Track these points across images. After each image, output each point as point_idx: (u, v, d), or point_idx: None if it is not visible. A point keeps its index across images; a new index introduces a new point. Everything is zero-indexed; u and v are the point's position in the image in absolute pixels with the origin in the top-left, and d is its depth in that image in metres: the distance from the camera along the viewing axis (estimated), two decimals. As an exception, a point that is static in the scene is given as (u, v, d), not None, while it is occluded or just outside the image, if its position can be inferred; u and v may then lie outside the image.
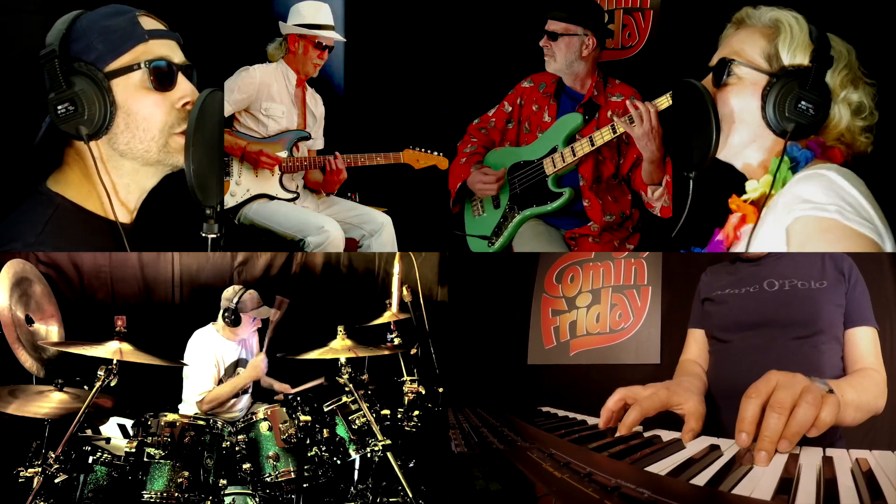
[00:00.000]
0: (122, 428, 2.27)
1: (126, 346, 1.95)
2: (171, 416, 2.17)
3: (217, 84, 1.62)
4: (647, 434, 1.46)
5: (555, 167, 2.67)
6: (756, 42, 1.57)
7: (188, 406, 2.65)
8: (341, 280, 3.33)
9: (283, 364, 2.85)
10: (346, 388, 2.33)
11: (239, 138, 2.95)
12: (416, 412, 2.57)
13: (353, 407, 2.42)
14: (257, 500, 2.24)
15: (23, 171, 1.64)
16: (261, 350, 2.69)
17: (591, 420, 1.72)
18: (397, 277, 2.83)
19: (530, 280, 3.36)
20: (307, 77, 3.06)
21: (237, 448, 2.31)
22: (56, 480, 1.79)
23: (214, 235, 1.62)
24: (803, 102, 1.51)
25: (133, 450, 2.05)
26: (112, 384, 1.90)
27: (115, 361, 1.89)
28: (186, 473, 2.09)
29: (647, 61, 3.09)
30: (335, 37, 3.00)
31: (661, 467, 1.14)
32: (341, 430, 2.42)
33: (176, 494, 2.05)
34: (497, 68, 3.18)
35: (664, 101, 2.36)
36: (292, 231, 2.91)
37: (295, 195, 3.01)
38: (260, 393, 2.87)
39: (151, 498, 2.04)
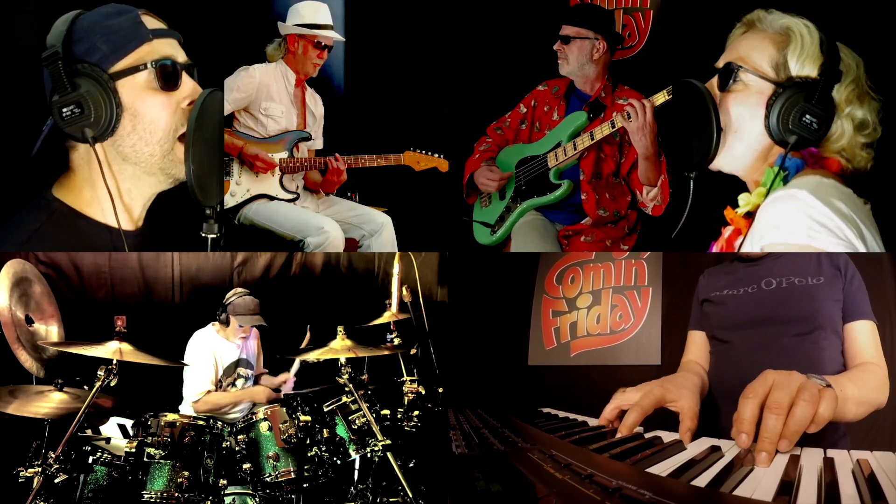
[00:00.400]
0: (122, 428, 2.27)
1: (126, 346, 1.95)
2: (171, 416, 2.17)
3: (217, 84, 1.61)
4: (648, 435, 1.46)
5: (557, 161, 2.76)
6: (765, 49, 1.54)
7: (186, 406, 2.65)
8: (341, 280, 3.33)
9: (282, 364, 2.85)
10: (346, 388, 2.33)
11: (238, 138, 2.95)
12: (416, 412, 2.57)
13: (353, 407, 2.42)
14: (257, 500, 2.24)
15: (25, 176, 1.62)
16: (262, 361, 2.68)
17: (591, 421, 1.71)
18: (397, 277, 2.83)
19: (531, 281, 3.36)
20: (307, 77, 3.06)
21: (237, 448, 2.31)
22: (56, 480, 1.79)
23: (214, 235, 1.61)
24: (808, 116, 1.48)
25: (133, 450, 2.05)
26: (112, 384, 1.89)
27: (115, 361, 1.89)
28: (186, 473, 2.09)
29: (647, 61, 3.09)
30: (334, 36, 3.00)
31: (663, 468, 1.13)
32: (341, 430, 2.42)
33: (176, 494, 2.05)
34: (497, 68, 3.18)
35: (661, 97, 2.42)
36: (292, 231, 2.91)
37: (295, 195, 3.01)
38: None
39: (151, 498, 2.04)
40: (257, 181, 2.97)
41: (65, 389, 2.04)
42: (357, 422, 2.40)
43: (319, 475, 2.35)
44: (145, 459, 2.06)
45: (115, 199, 1.56)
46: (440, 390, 2.65)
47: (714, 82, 1.62)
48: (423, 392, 2.61)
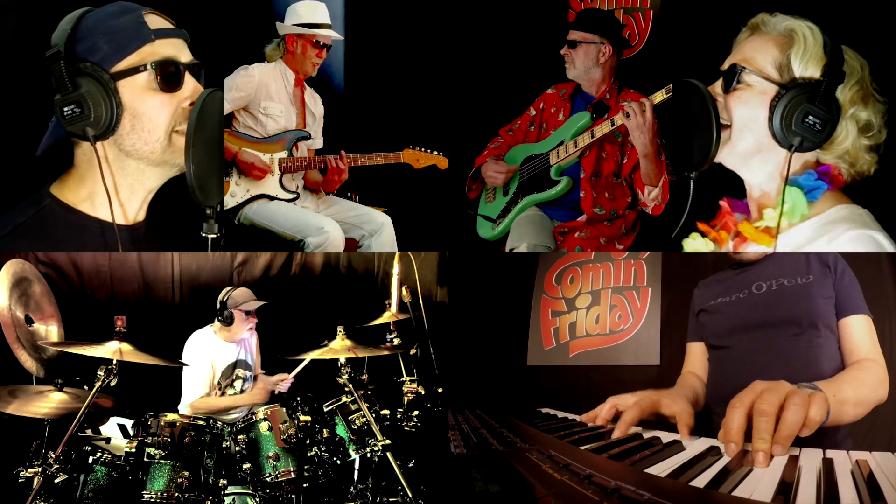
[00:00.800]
0: (122, 428, 2.27)
1: (126, 346, 1.95)
2: (171, 416, 2.17)
3: (217, 84, 1.62)
4: (646, 435, 1.46)
5: (558, 158, 2.81)
6: (769, 51, 1.54)
7: (183, 408, 2.65)
8: (341, 280, 3.33)
9: (282, 364, 2.85)
10: (346, 388, 2.33)
11: (235, 139, 2.95)
12: (416, 412, 2.57)
13: (353, 407, 2.42)
14: (257, 500, 2.24)
15: (29, 173, 1.64)
16: (259, 361, 2.68)
17: (596, 421, 1.71)
18: (397, 278, 2.83)
19: (530, 281, 3.36)
20: (306, 76, 3.06)
21: (237, 448, 2.31)
22: (56, 480, 1.79)
23: (214, 235, 1.62)
24: (811, 117, 1.49)
25: (133, 450, 2.05)
26: (112, 384, 1.89)
27: (114, 361, 1.89)
28: (186, 473, 2.09)
29: (647, 61, 3.09)
30: (333, 35, 3.00)
31: (661, 469, 1.14)
32: (341, 430, 2.42)
33: (176, 494, 2.05)
34: (497, 68, 3.18)
35: (660, 95, 2.44)
36: (292, 231, 2.91)
37: (295, 195, 3.01)
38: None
39: (151, 498, 2.04)
40: (257, 181, 2.97)
41: (65, 389, 2.04)
42: (357, 422, 2.40)
43: (319, 475, 2.35)
44: (145, 459, 2.06)
45: (114, 196, 1.57)
46: (440, 390, 2.65)
47: (718, 85, 1.62)
48: (423, 392, 2.61)
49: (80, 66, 1.47)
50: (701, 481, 1.04)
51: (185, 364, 2.60)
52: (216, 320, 2.73)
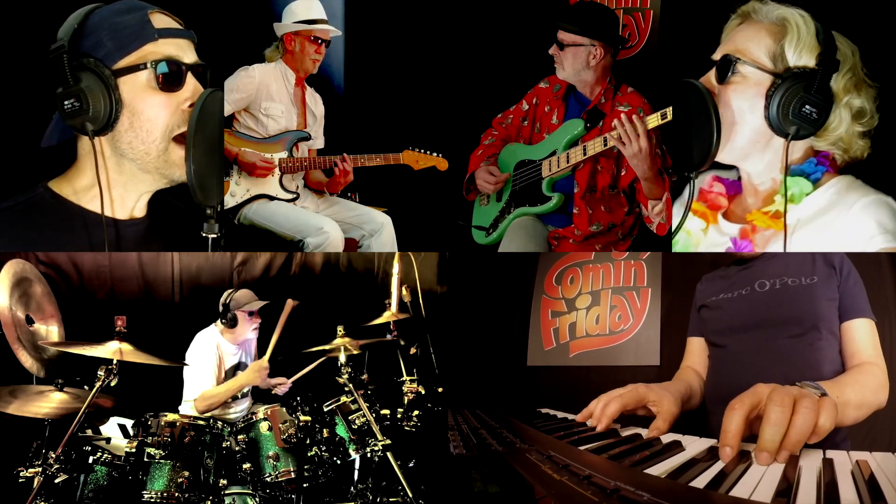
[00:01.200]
0: (123, 428, 2.27)
1: (126, 346, 1.95)
2: (171, 416, 2.17)
3: (217, 84, 1.62)
4: (646, 436, 1.46)
5: (550, 171, 2.73)
6: (762, 41, 1.55)
7: (186, 406, 2.65)
8: (341, 280, 3.33)
9: (282, 364, 2.85)
10: (346, 388, 2.34)
11: (236, 139, 2.95)
12: (416, 412, 2.57)
13: (353, 407, 2.42)
14: (257, 500, 2.25)
15: (29, 167, 1.65)
16: (262, 354, 2.68)
17: (589, 421, 1.71)
18: (397, 277, 2.83)
19: (530, 281, 3.36)
20: (307, 74, 3.06)
21: (237, 448, 2.31)
22: (56, 480, 1.79)
23: (214, 235, 1.62)
24: (807, 106, 1.50)
25: (133, 450, 2.05)
26: (112, 384, 1.90)
27: (115, 361, 1.89)
28: (186, 473, 2.09)
29: (647, 61, 3.09)
30: (330, 29, 3.00)
31: (661, 469, 1.14)
32: (341, 430, 2.42)
33: (176, 494, 2.05)
34: (497, 68, 3.18)
35: (654, 119, 2.31)
36: (292, 232, 2.91)
37: (295, 195, 3.01)
38: (260, 393, 2.87)
39: (152, 498, 2.04)
40: (257, 181, 2.97)
41: (65, 389, 2.04)
42: (357, 422, 2.40)
43: (319, 475, 2.35)
44: (145, 459, 2.06)
45: (112, 189, 1.59)
46: (440, 390, 2.65)
47: (711, 75, 1.62)
48: (423, 392, 2.62)
49: (82, 61, 1.48)
50: (700, 482, 1.04)
51: (185, 364, 2.60)
52: (220, 323, 2.73)
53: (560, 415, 2.00)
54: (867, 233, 1.49)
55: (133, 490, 2.03)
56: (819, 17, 1.55)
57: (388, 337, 2.66)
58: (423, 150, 3.01)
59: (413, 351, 2.72)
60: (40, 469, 1.76)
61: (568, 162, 2.67)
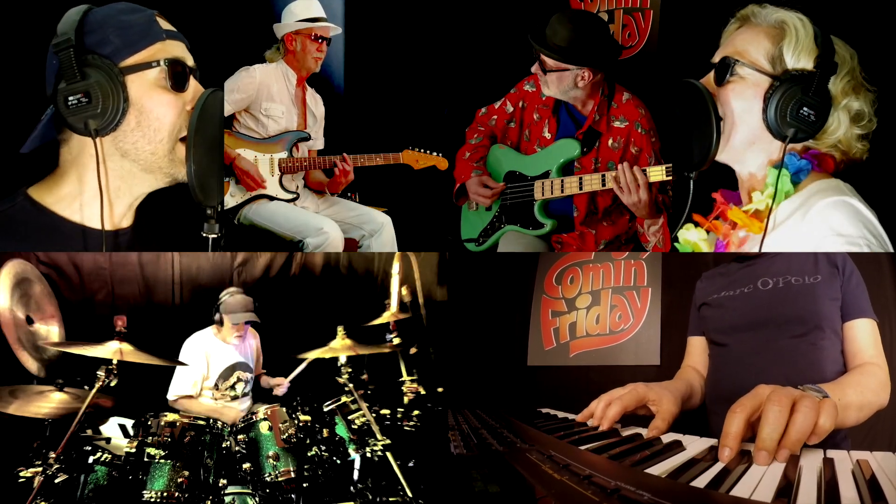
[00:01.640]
0: (123, 428, 2.27)
1: (126, 347, 1.95)
2: (171, 416, 2.17)
3: (217, 84, 1.62)
4: (647, 435, 1.46)
5: (543, 195, 2.65)
6: (760, 43, 1.55)
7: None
8: (341, 280, 3.33)
9: (282, 364, 2.85)
10: (346, 388, 2.33)
11: (235, 139, 2.95)
12: (416, 412, 2.57)
13: (353, 407, 2.42)
14: (257, 500, 2.24)
15: (13, 176, 1.61)
16: (261, 363, 2.67)
17: (590, 421, 1.71)
18: (397, 277, 2.83)
19: (530, 281, 3.36)
20: (309, 74, 3.06)
21: (237, 448, 2.31)
22: (56, 480, 1.79)
23: (215, 235, 1.62)
24: (805, 108, 1.50)
25: (133, 450, 2.05)
26: (112, 384, 1.90)
27: (115, 361, 1.90)
28: (186, 473, 2.09)
29: (647, 61, 3.09)
30: (330, 26, 3.01)
31: (661, 469, 1.14)
32: (341, 430, 2.42)
33: (176, 494, 2.05)
34: (498, 68, 3.18)
35: (658, 174, 2.26)
36: (291, 232, 2.92)
37: (295, 196, 3.02)
38: (260, 393, 2.87)
39: (152, 498, 2.04)
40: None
41: (65, 389, 2.04)
42: (357, 422, 2.40)
43: (319, 475, 2.35)
44: (145, 459, 2.06)
45: (104, 195, 1.54)
46: (440, 390, 2.65)
47: (711, 77, 1.63)
48: (423, 392, 2.62)
49: (88, 57, 1.45)
50: (701, 481, 1.04)
51: (184, 364, 2.60)
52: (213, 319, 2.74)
53: (560, 415, 2.00)
54: (819, 234, 1.49)
55: (133, 490, 2.03)
56: (819, 22, 1.56)
57: (387, 342, 2.66)
58: (422, 150, 3.01)
59: (413, 351, 2.72)
60: (40, 469, 1.76)
61: (563, 191, 2.59)
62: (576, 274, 3.26)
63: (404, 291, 2.78)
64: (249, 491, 2.25)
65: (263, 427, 2.34)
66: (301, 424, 2.36)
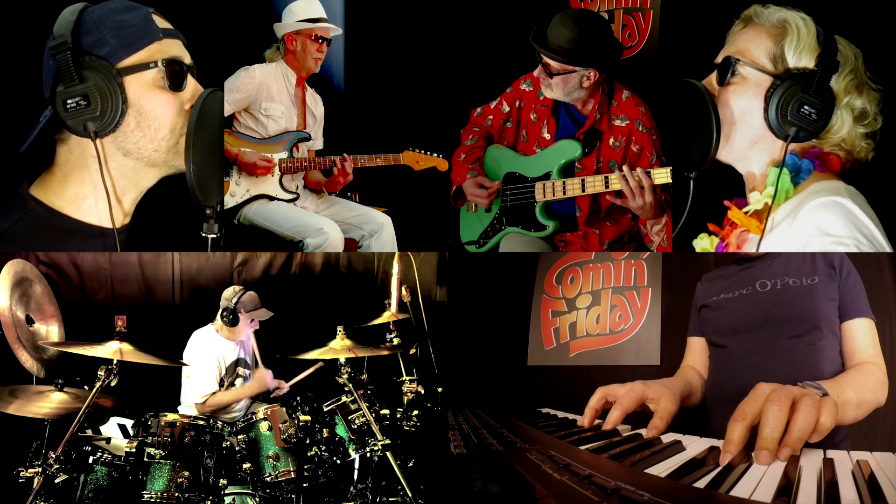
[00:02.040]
0: (123, 428, 2.27)
1: (126, 346, 1.95)
2: (171, 416, 2.17)
3: (217, 84, 1.62)
4: (646, 435, 1.46)
5: (544, 196, 2.62)
6: (762, 42, 1.55)
7: (187, 408, 2.65)
8: (341, 280, 3.33)
9: (281, 363, 2.85)
10: (346, 388, 2.34)
11: (236, 139, 2.95)
12: (416, 412, 2.57)
13: (353, 407, 2.42)
14: (257, 500, 2.25)
15: (9, 174, 1.60)
16: (259, 358, 2.69)
17: (586, 420, 1.71)
18: (396, 277, 2.83)
19: (530, 281, 3.35)
20: (308, 74, 3.06)
21: (237, 448, 2.31)
22: (56, 480, 1.79)
23: (214, 235, 1.62)
24: (806, 107, 1.50)
25: (133, 450, 2.05)
26: (112, 384, 1.90)
27: (115, 361, 1.89)
28: (186, 473, 2.09)
29: (646, 62, 3.08)
30: (331, 27, 3.01)
31: (662, 469, 1.14)
32: (341, 430, 2.42)
33: (176, 494, 2.05)
34: (498, 68, 3.18)
35: (663, 176, 2.24)
36: (291, 232, 2.92)
37: (295, 196, 3.02)
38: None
39: (152, 498, 2.04)
40: (257, 181, 2.97)
41: (65, 389, 2.04)
42: (357, 422, 2.40)
43: (319, 475, 2.35)
44: (145, 459, 2.06)
45: (111, 197, 1.55)
46: (439, 390, 2.65)
47: (713, 78, 1.63)
48: (423, 392, 2.62)
49: (85, 58, 1.44)
50: (702, 482, 1.04)
51: (185, 364, 2.60)
52: (218, 319, 2.73)
53: (560, 414, 2.00)
54: (806, 234, 1.49)
55: (133, 490, 2.03)
56: (823, 21, 1.55)
57: (387, 342, 2.66)
58: (423, 151, 3.01)
59: (413, 351, 2.72)
60: (40, 469, 1.76)
61: (564, 193, 2.56)
62: (576, 274, 3.26)
63: (404, 291, 2.78)
64: (249, 491, 2.25)
65: (263, 427, 2.34)
66: (301, 424, 2.36)
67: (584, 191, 2.50)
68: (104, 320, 2.05)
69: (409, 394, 2.60)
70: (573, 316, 3.22)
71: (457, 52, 3.28)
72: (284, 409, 2.40)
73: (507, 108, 2.80)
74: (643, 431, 1.49)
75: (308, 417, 2.37)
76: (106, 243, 1.58)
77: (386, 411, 2.52)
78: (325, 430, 2.40)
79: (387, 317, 2.72)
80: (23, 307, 2.26)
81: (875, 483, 1.02)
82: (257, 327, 2.76)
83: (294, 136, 3.02)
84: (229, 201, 2.92)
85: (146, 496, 2.03)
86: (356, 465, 2.45)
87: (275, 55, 3.04)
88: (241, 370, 2.76)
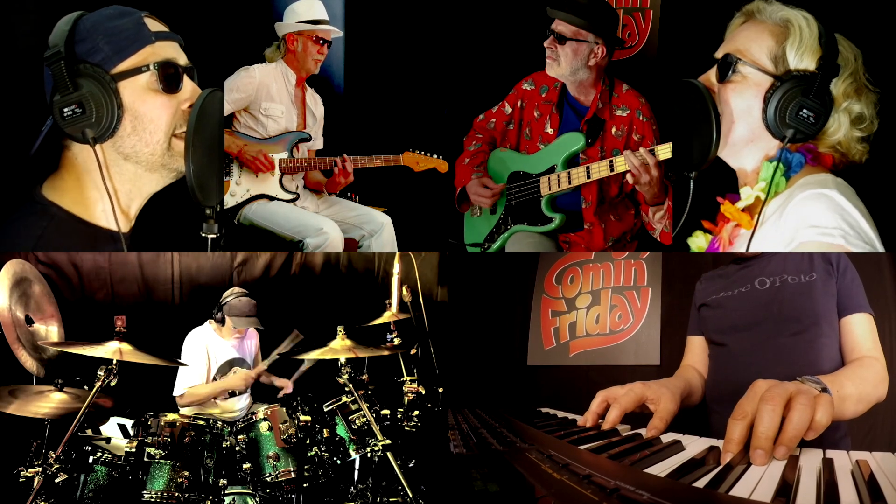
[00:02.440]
0: (122, 428, 2.27)
1: (126, 346, 1.95)
2: (171, 416, 2.17)
3: (217, 84, 1.62)
4: (646, 435, 1.46)
5: (550, 189, 2.62)
6: (764, 41, 1.55)
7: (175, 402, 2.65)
8: (341, 280, 3.33)
9: (282, 363, 2.86)
10: (346, 389, 2.34)
11: (238, 138, 2.95)
12: (416, 412, 2.57)
13: (353, 407, 2.42)
14: (257, 500, 2.25)
15: (18, 176, 1.62)
16: (262, 355, 2.68)
17: (588, 420, 1.71)
18: (397, 277, 2.83)
19: (530, 281, 3.36)
20: (308, 74, 3.06)
21: (237, 448, 2.31)
22: (56, 480, 1.79)
23: (214, 235, 1.62)
24: (805, 110, 1.50)
25: (133, 450, 2.05)
26: (112, 384, 1.90)
27: (114, 361, 1.90)
28: (186, 473, 2.09)
29: (646, 61, 3.09)
30: (332, 30, 3.01)
31: (661, 469, 1.13)
32: (341, 430, 2.42)
33: (176, 494, 2.06)
34: (498, 69, 3.18)
35: (666, 152, 2.26)
36: (291, 232, 2.92)
37: (295, 196, 3.02)
38: (260, 393, 2.87)
39: (152, 498, 2.04)
40: (257, 181, 2.97)
41: (65, 389, 2.05)
42: (357, 422, 2.40)
43: (319, 475, 2.35)
44: (145, 459, 2.06)
45: (113, 201, 1.57)
46: (440, 390, 2.65)
47: (712, 73, 1.63)
48: (423, 392, 2.62)
49: (80, 66, 1.46)
50: (701, 481, 1.04)
51: (184, 364, 2.60)
52: (212, 317, 2.74)
53: (560, 414, 2.00)
54: (793, 226, 1.49)
55: (133, 490, 2.03)
56: (823, 20, 1.55)
57: (388, 342, 2.65)
58: (423, 152, 3.01)
59: (413, 351, 2.72)
60: (40, 469, 1.77)
61: (570, 183, 2.57)
62: (576, 274, 3.27)
63: (405, 291, 2.78)
64: (249, 491, 2.25)
65: (263, 427, 2.34)
66: (301, 424, 2.36)
67: (589, 177, 2.50)
68: (104, 320, 2.05)
69: (409, 394, 2.60)
70: (573, 316, 3.22)
71: (457, 52, 3.28)
72: (284, 409, 2.40)
73: (510, 110, 2.81)
74: (643, 431, 1.49)
75: (308, 417, 2.37)
76: (117, 247, 1.60)
77: (386, 411, 2.52)
78: (325, 430, 2.40)
79: (387, 317, 2.72)
80: (22, 307, 2.26)
81: (875, 483, 1.02)
82: (242, 335, 2.75)
83: (294, 136, 3.02)
84: (229, 201, 2.92)
85: (146, 496, 2.04)
86: (356, 466, 2.45)
87: (275, 54, 3.04)
88: (237, 370, 2.76)
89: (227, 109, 2.91)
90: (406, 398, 2.60)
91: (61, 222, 1.55)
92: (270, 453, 2.31)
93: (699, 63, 1.70)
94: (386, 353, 2.57)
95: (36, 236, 1.52)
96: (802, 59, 1.52)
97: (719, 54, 1.62)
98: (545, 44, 2.55)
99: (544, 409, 2.14)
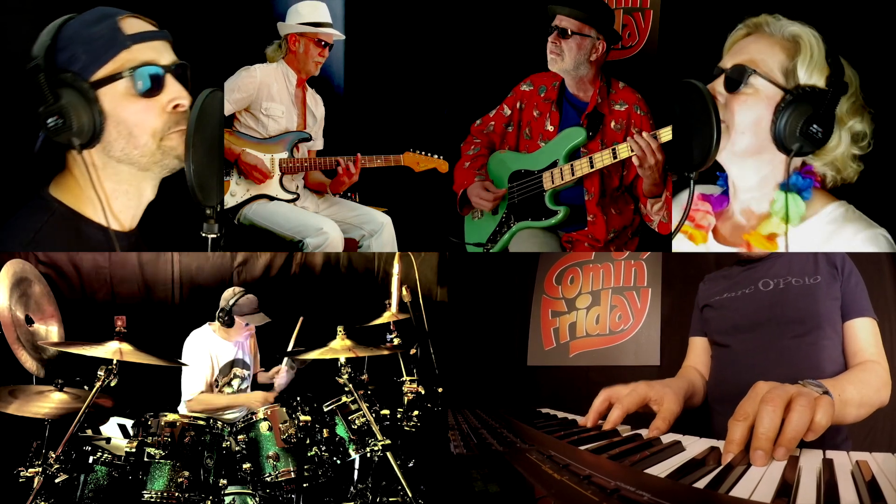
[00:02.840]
0: (123, 428, 2.27)
1: (126, 346, 1.95)
2: (171, 416, 2.17)
3: (217, 84, 1.62)
4: (646, 436, 1.46)
5: (553, 183, 2.64)
6: (776, 55, 1.56)
7: (183, 405, 2.66)
8: (341, 280, 3.33)
9: (280, 362, 2.86)
10: (346, 389, 2.33)
11: (237, 139, 2.95)
12: (416, 412, 2.57)
13: (353, 407, 2.42)
14: (257, 500, 2.25)
15: (25, 175, 1.63)
16: (258, 360, 2.69)
17: (590, 421, 1.71)
18: (397, 277, 2.83)
19: (530, 281, 3.36)
20: (308, 76, 3.06)
21: (237, 448, 2.31)
22: (56, 480, 1.79)
23: (214, 235, 1.62)
24: (814, 126, 1.52)
25: (133, 450, 2.05)
26: (112, 384, 1.90)
27: (115, 361, 1.89)
28: (186, 473, 2.09)
29: (646, 62, 3.08)
30: (335, 33, 3.01)
31: (661, 469, 1.14)
32: (341, 430, 2.42)
33: (176, 494, 2.06)
34: (498, 69, 3.18)
35: (667, 134, 2.28)
36: (291, 232, 2.92)
37: (295, 196, 3.02)
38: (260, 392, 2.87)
39: (152, 498, 2.04)
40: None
41: (65, 389, 2.05)
42: (357, 422, 2.40)
43: (319, 475, 2.35)
44: (145, 459, 2.06)
45: (113, 201, 1.58)
46: (440, 390, 2.65)
47: (719, 83, 1.63)
48: (423, 392, 2.62)
49: (60, 76, 1.47)
50: (701, 482, 1.04)
51: (184, 364, 2.60)
52: (216, 320, 2.74)
53: (560, 415, 2.00)
54: None
55: (133, 490, 2.03)
56: (827, 39, 1.57)
57: (388, 343, 2.66)
58: (423, 153, 3.01)
59: (413, 351, 2.72)
60: (40, 469, 1.77)
61: (573, 174, 2.58)
62: (576, 274, 3.27)
63: (405, 291, 2.78)
64: (249, 491, 2.25)
65: (263, 427, 2.34)
66: (301, 424, 2.36)
67: (592, 167, 2.53)
68: (104, 320, 2.05)
69: (409, 394, 2.60)
70: (573, 316, 3.22)
71: (457, 53, 3.27)
72: (284, 409, 2.40)
73: (509, 112, 2.83)
74: (643, 432, 1.49)
75: (308, 417, 2.37)
76: (120, 246, 1.61)
77: (386, 411, 2.52)
78: (325, 430, 2.40)
79: (387, 317, 2.72)
80: (22, 307, 2.26)
81: (875, 484, 1.02)
82: (252, 331, 2.76)
83: (294, 136, 3.02)
84: (229, 201, 2.92)
85: (146, 496, 2.03)
86: (356, 466, 2.45)
87: (276, 53, 3.04)
88: (237, 370, 2.76)
89: (229, 109, 2.91)
90: (406, 398, 2.60)
91: (62, 218, 1.57)
92: (270, 453, 2.31)
93: (699, 63, 1.70)
94: (386, 353, 2.57)
95: (35, 228, 1.54)
96: (812, 75, 1.54)
97: (727, 64, 1.62)
98: (550, 39, 2.60)
99: (544, 410, 2.14)
